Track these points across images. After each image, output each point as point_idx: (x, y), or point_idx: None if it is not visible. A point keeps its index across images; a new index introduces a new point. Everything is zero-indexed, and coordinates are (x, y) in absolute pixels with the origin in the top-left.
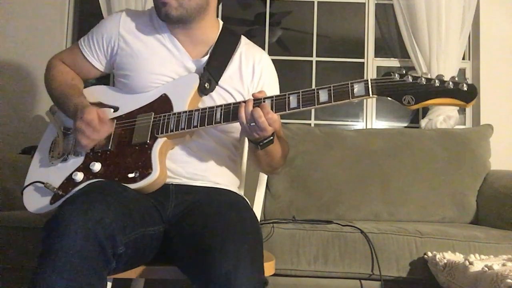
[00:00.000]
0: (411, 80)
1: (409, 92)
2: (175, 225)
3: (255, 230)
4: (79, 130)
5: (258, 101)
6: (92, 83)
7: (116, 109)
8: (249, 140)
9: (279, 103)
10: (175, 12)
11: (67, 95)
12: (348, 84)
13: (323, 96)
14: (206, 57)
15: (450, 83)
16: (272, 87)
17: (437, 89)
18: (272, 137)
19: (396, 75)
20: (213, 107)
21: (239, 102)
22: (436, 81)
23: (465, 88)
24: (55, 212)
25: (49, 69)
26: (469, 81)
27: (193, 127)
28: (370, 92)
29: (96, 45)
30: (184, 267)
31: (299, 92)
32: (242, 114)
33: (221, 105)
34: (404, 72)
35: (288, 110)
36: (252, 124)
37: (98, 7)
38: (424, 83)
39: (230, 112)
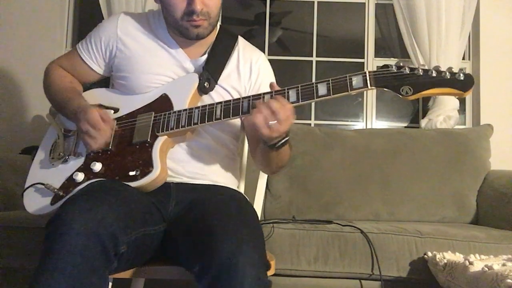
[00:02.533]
0: (408, 71)
1: (406, 83)
2: (176, 223)
3: (255, 220)
4: (84, 131)
5: (236, 101)
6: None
7: (116, 110)
8: (263, 144)
9: None
10: (206, 32)
11: (67, 99)
12: (346, 77)
13: (322, 89)
14: (204, 57)
15: (447, 73)
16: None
17: (434, 79)
18: (288, 136)
19: (394, 67)
20: (212, 104)
21: (239, 99)
22: (433, 71)
23: (462, 78)
24: (57, 212)
25: (47, 75)
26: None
27: (193, 124)
28: (368, 84)
29: (94, 49)
30: (185, 260)
31: (298, 87)
32: (260, 118)
33: (220, 102)
34: (401, 64)
35: None
36: (271, 122)
37: (98, 9)
38: (421, 73)
39: (230, 108)
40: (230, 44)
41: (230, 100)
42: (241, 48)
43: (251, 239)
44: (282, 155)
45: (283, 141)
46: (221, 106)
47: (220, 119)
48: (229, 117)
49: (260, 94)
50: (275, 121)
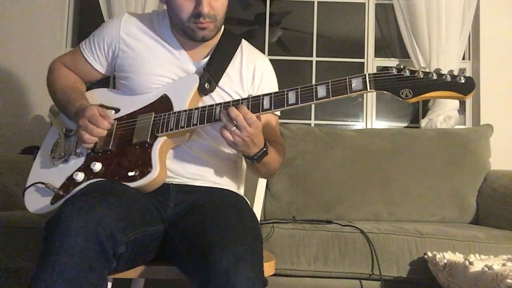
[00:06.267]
0: (408, 74)
1: (406, 86)
2: (175, 224)
3: (255, 230)
4: (81, 127)
5: (236, 102)
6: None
7: (117, 110)
8: (244, 156)
9: (277, 100)
10: (211, 34)
11: (69, 99)
12: (346, 79)
13: (321, 91)
14: (207, 59)
15: (448, 76)
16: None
17: (434, 82)
18: (265, 149)
19: (394, 69)
20: (212, 105)
21: (238, 100)
22: (434, 74)
23: (463, 81)
24: (56, 212)
25: (51, 72)
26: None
27: (192, 125)
28: (368, 87)
29: (97, 48)
30: (184, 266)
31: (297, 89)
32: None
33: (220, 103)
34: (402, 66)
35: (286, 106)
36: (231, 128)
37: (98, 9)
38: (422, 76)
39: None
40: (233, 46)
41: (229, 102)
42: (245, 52)
43: (249, 255)
44: (268, 165)
45: (259, 154)
46: (221, 107)
47: (219, 120)
48: None
49: (259, 96)
50: (234, 128)
